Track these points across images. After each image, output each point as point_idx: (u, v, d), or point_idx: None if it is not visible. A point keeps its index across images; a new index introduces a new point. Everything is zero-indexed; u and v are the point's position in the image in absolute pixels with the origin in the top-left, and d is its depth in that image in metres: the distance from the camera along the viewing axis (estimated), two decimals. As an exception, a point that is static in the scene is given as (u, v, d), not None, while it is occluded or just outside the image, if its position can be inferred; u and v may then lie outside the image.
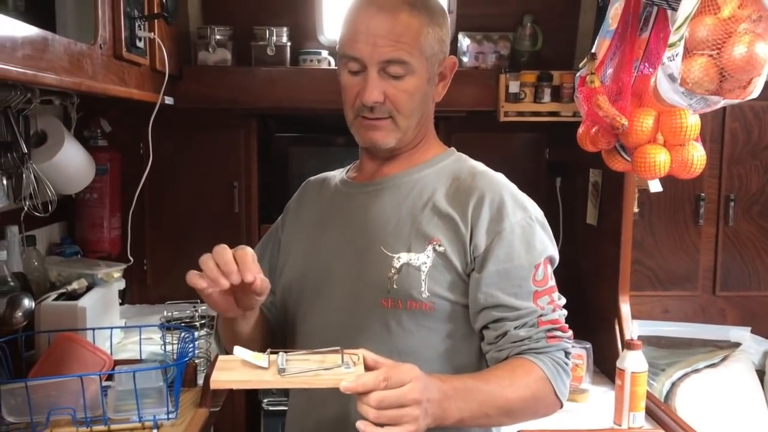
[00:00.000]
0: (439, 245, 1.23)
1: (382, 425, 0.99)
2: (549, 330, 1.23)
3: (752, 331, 2.71)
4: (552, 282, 1.27)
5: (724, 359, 2.61)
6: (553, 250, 1.29)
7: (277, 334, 1.40)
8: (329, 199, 1.40)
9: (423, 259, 1.23)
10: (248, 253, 1.10)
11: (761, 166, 2.68)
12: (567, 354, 1.25)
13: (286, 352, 1.07)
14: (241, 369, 1.04)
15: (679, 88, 1.39)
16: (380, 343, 1.22)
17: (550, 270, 1.28)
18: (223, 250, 1.09)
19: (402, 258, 1.23)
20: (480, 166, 1.35)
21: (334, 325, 1.28)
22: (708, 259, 2.71)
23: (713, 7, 1.30)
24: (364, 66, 1.23)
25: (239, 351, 1.05)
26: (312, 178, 1.51)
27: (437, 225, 1.25)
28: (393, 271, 1.23)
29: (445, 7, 2.56)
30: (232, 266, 1.07)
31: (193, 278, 1.09)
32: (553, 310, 1.24)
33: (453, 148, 1.40)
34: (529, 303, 1.22)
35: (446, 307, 1.24)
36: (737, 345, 2.67)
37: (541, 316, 1.22)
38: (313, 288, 1.32)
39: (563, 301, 1.28)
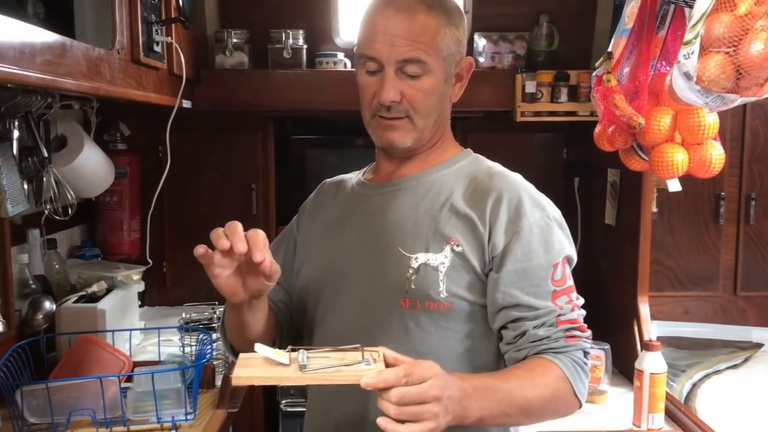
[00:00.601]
0: (457, 245, 1.23)
1: (402, 422, 0.99)
2: (568, 329, 1.22)
3: (775, 332, 2.67)
4: (570, 282, 1.26)
5: (746, 360, 2.57)
6: (571, 250, 1.29)
7: (285, 332, 1.40)
8: (346, 200, 1.41)
9: (441, 260, 1.23)
10: (260, 233, 1.12)
11: (783, 164, 2.64)
12: (585, 354, 1.25)
13: (307, 349, 1.08)
14: (263, 366, 1.05)
15: (695, 87, 1.37)
16: (398, 343, 1.22)
17: (568, 270, 1.27)
18: (234, 224, 1.12)
19: (420, 258, 1.23)
20: (497, 166, 1.36)
21: (352, 326, 1.28)
22: (729, 259, 2.67)
23: (729, 4, 1.29)
24: (381, 66, 1.24)
25: (260, 348, 1.06)
26: (328, 179, 1.51)
27: (455, 225, 1.25)
28: (411, 272, 1.23)
29: (461, 7, 2.58)
30: (240, 237, 1.10)
31: (199, 248, 1.12)
32: (572, 310, 1.24)
33: (469, 149, 1.41)
34: (547, 302, 1.22)
35: (464, 307, 1.24)
36: (759, 346, 2.63)
37: (559, 315, 1.22)
38: (332, 288, 1.33)
39: (581, 300, 1.28)
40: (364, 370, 1.02)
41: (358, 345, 1.08)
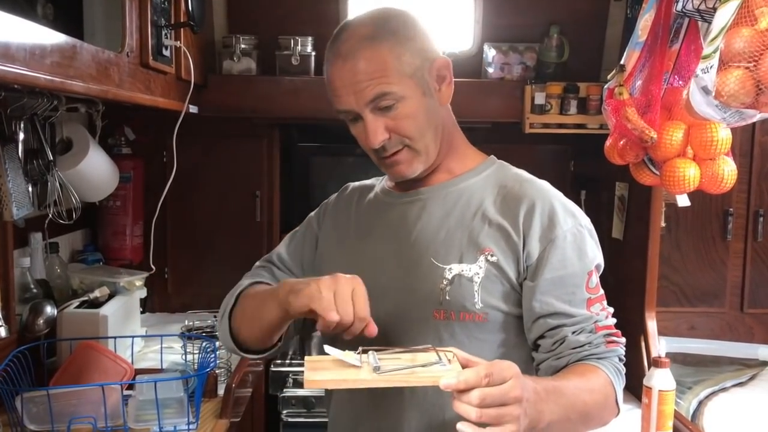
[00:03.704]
0: (492, 255, 1.21)
1: (482, 426, 0.95)
2: (606, 335, 1.21)
3: (782, 350, 2.65)
4: (602, 290, 1.25)
5: (752, 378, 2.55)
6: (601, 258, 1.28)
7: (291, 335, 1.37)
8: (369, 208, 1.39)
9: (475, 270, 1.21)
10: (363, 291, 1.10)
11: (791, 181, 2.63)
12: (621, 360, 1.24)
13: (376, 350, 1.05)
14: (334, 368, 1.02)
15: (713, 101, 1.35)
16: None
17: (598, 278, 1.26)
18: (344, 288, 1.09)
19: (454, 269, 1.21)
20: (524, 173, 1.34)
21: (381, 339, 1.23)
22: (736, 276, 2.65)
23: (750, 19, 1.27)
24: (357, 114, 1.23)
25: (330, 349, 1.04)
26: (353, 183, 1.49)
27: (488, 234, 1.23)
28: (445, 283, 1.21)
29: (471, 17, 2.57)
30: (348, 310, 1.08)
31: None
32: (606, 317, 1.23)
33: (493, 156, 1.38)
34: (583, 310, 1.21)
35: (499, 317, 1.23)
36: (765, 364, 2.61)
37: (596, 321, 1.21)
38: None
39: (611, 309, 1.27)
40: (441, 371, 0.98)
41: (428, 345, 1.05)
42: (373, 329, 1.13)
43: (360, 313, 1.09)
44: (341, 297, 1.08)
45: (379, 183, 1.44)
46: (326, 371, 1.01)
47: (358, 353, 1.03)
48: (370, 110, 1.21)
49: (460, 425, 0.95)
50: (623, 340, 1.25)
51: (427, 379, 0.98)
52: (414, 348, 1.06)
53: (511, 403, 0.96)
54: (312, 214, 1.49)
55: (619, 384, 1.21)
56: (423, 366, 1.00)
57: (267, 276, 1.41)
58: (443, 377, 0.95)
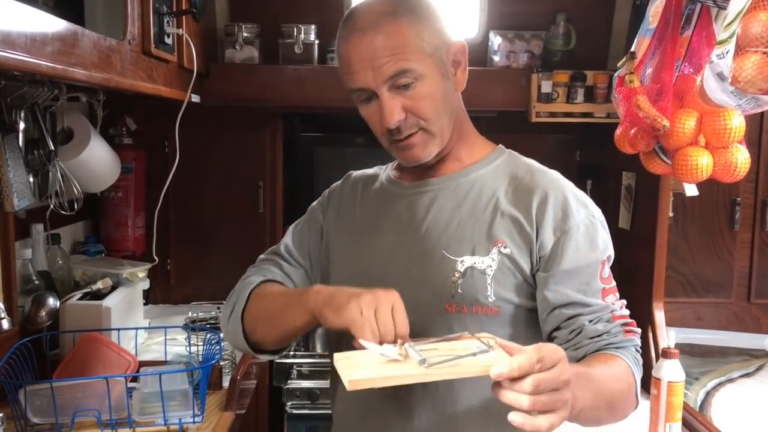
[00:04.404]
0: (505, 247, 1.19)
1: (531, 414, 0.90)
2: (624, 324, 1.19)
3: (789, 340, 2.63)
4: (614, 281, 1.23)
5: (759, 369, 2.54)
6: (612, 249, 1.25)
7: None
8: (376, 198, 1.35)
9: (488, 262, 1.18)
10: (402, 307, 1.07)
11: (800, 170, 2.61)
12: (638, 350, 1.22)
13: (414, 341, 0.99)
14: (374, 365, 0.95)
15: (729, 87, 1.33)
16: None
17: (610, 269, 1.24)
18: (385, 307, 1.05)
19: (466, 261, 1.19)
20: (535, 163, 1.31)
21: None
22: (743, 266, 2.64)
23: (766, 3, 1.24)
24: (373, 92, 1.18)
25: (367, 344, 0.99)
26: (355, 172, 1.45)
27: (500, 226, 1.20)
28: (457, 275, 1.18)
29: (477, 5, 2.54)
30: (390, 329, 1.04)
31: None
32: (621, 308, 1.21)
33: (501, 146, 1.35)
34: (598, 300, 1.18)
35: (510, 310, 1.20)
36: (772, 354, 2.60)
37: (612, 311, 1.19)
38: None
39: (624, 300, 1.24)
40: (488, 360, 0.92)
41: (464, 332, 1.01)
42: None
43: (401, 331, 1.05)
44: (382, 317, 1.05)
45: (384, 172, 1.40)
46: (368, 369, 0.94)
47: (397, 346, 0.98)
48: (388, 88, 1.17)
49: (511, 416, 0.89)
50: (639, 330, 1.23)
51: (476, 369, 0.91)
52: (449, 337, 1.02)
53: (562, 387, 0.91)
54: (314, 204, 1.45)
55: (639, 375, 1.19)
56: (472, 355, 0.94)
57: (276, 271, 1.37)
58: (493, 366, 0.89)
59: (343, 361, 0.97)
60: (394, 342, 1.04)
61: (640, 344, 1.22)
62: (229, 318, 1.32)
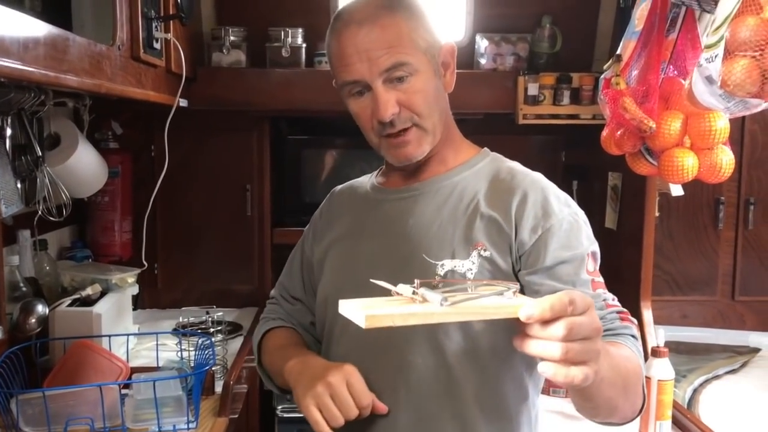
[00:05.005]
0: (484, 250, 1.18)
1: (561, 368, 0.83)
2: (618, 311, 1.16)
3: (771, 337, 2.67)
4: (601, 277, 1.21)
5: (743, 365, 2.57)
6: (597, 247, 1.23)
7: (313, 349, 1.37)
8: (361, 207, 1.36)
9: (468, 266, 1.18)
10: (359, 381, 1.12)
11: (781, 169, 2.65)
12: (636, 338, 1.17)
13: (424, 283, 0.90)
14: (389, 305, 0.87)
15: (717, 91, 1.35)
16: (426, 354, 1.19)
17: (596, 266, 1.22)
18: (339, 389, 1.10)
19: (446, 265, 1.18)
20: (518, 165, 1.31)
21: (376, 336, 1.21)
22: (727, 264, 2.68)
23: (755, 7, 1.26)
24: (367, 85, 1.19)
25: (380, 282, 0.94)
26: (337, 187, 1.46)
27: (479, 228, 1.20)
28: (437, 279, 1.18)
29: (463, 8, 2.55)
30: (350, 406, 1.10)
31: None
32: (613, 299, 1.18)
33: (486, 149, 1.35)
34: (588, 290, 1.16)
35: None
36: (757, 350, 2.63)
37: (605, 300, 1.16)
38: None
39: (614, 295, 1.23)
40: (515, 302, 0.85)
41: (486, 278, 0.97)
42: (382, 408, 1.15)
43: (362, 403, 1.10)
44: (339, 398, 1.10)
45: (369, 179, 1.40)
46: (381, 308, 0.85)
47: (414, 287, 0.90)
48: (383, 81, 1.17)
49: (542, 366, 0.83)
50: (635, 320, 1.21)
51: (503, 310, 0.84)
52: (472, 279, 0.98)
53: (594, 336, 0.84)
54: (303, 235, 1.46)
55: (643, 363, 1.14)
56: (491, 294, 0.88)
57: (282, 313, 1.44)
58: (523, 307, 0.82)
59: (351, 304, 0.88)
60: (359, 416, 1.09)
61: (637, 336, 1.18)
62: (258, 366, 1.41)
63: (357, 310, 0.86)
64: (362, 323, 0.84)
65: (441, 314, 0.85)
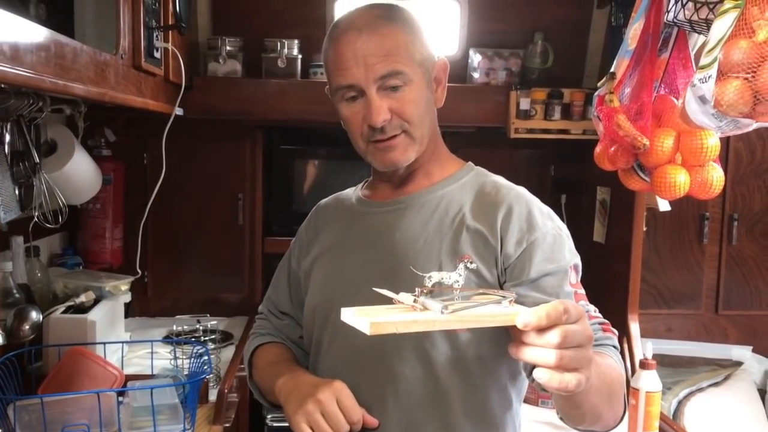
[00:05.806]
0: (471, 262, 1.20)
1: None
2: (600, 323, 1.19)
3: (753, 350, 2.74)
4: (582, 289, 1.23)
5: (726, 378, 2.62)
6: (579, 261, 1.26)
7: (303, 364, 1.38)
8: (347, 220, 1.37)
9: (455, 278, 1.19)
10: (348, 397, 1.15)
11: (764, 186, 2.72)
12: (617, 348, 1.20)
13: (425, 292, 0.94)
14: (390, 313, 0.90)
15: (710, 110, 1.39)
16: (414, 365, 1.20)
17: (578, 279, 1.24)
18: (329, 406, 1.13)
19: (433, 277, 1.19)
20: (502, 180, 1.34)
21: (364, 348, 1.22)
22: (711, 278, 2.73)
23: (747, 31, 1.30)
24: (361, 91, 1.21)
25: (383, 291, 0.97)
26: (322, 201, 1.48)
27: (465, 241, 1.22)
28: (437, 288, 1.20)
29: (457, 23, 2.59)
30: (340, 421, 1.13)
31: None
32: (595, 311, 1.20)
33: (470, 163, 1.38)
34: (572, 301, 1.15)
35: None
36: (739, 364, 2.69)
37: (587, 311, 1.18)
38: (339, 313, 1.29)
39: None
40: (512, 310, 0.88)
41: (482, 288, 0.99)
42: (373, 422, 1.17)
43: (352, 418, 1.13)
44: (329, 415, 1.12)
45: (353, 192, 1.42)
46: (384, 316, 0.88)
47: (414, 295, 0.93)
48: (377, 88, 1.20)
49: (537, 372, 0.86)
50: (616, 331, 1.23)
51: (500, 318, 0.88)
52: (467, 288, 1.01)
53: (587, 344, 0.87)
54: (289, 249, 1.47)
55: (624, 373, 1.17)
56: (489, 303, 0.91)
57: (271, 328, 1.46)
58: (520, 314, 0.85)
59: (353, 312, 0.91)
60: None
61: (618, 346, 1.21)
62: (249, 382, 1.42)
63: (360, 318, 0.89)
64: (367, 330, 0.86)
65: (442, 322, 0.88)
